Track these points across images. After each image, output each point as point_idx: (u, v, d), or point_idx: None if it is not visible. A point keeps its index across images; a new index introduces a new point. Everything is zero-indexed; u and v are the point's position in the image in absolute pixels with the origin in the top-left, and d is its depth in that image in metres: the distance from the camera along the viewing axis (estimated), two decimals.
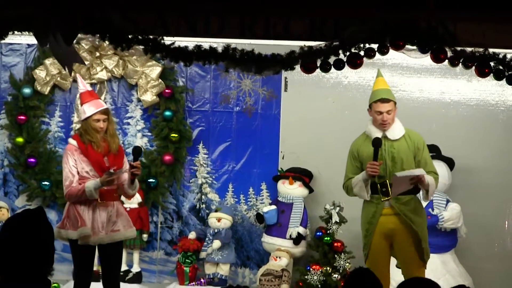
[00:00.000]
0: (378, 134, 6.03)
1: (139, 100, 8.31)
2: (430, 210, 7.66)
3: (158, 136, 8.26)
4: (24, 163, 8.17)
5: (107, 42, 5.93)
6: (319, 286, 7.65)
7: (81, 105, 6.21)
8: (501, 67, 5.94)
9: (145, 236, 7.99)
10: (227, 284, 7.77)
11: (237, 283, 8.09)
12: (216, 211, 8.10)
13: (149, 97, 8.22)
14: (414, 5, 5.93)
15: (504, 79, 5.99)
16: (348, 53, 5.88)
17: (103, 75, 8.25)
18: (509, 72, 5.95)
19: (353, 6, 5.93)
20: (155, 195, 8.21)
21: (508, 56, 5.94)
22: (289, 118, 8.28)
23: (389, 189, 5.96)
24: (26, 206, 8.05)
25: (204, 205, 8.30)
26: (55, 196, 8.12)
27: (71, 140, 6.19)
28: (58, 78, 8.22)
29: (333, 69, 5.98)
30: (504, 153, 8.12)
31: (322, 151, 8.09)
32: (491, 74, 5.98)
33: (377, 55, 5.95)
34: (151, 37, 5.79)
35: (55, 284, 7.60)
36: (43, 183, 8.14)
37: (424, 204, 7.36)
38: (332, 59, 5.91)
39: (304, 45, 5.86)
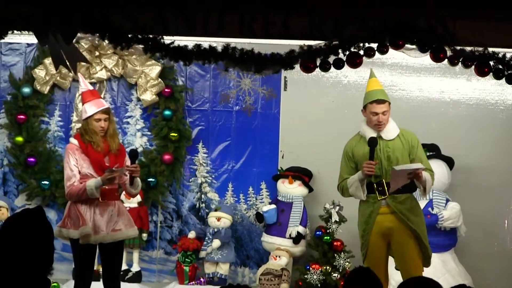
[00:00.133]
0: (372, 134, 6.02)
1: (138, 100, 8.31)
2: (429, 209, 7.66)
3: (158, 136, 8.26)
4: (24, 163, 8.16)
5: (106, 41, 5.91)
6: (319, 285, 7.64)
7: (83, 104, 6.21)
8: (500, 66, 5.94)
9: (144, 235, 7.98)
10: (226, 284, 7.75)
11: (237, 282, 8.08)
12: (215, 210, 8.10)
13: (148, 96, 8.22)
14: (413, 4, 5.93)
15: (504, 78, 5.99)
16: (347, 52, 5.87)
17: (103, 74, 8.24)
18: (509, 71, 5.94)
19: (353, 5, 5.93)
20: (154, 194, 8.20)
21: (508, 55, 5.93)
22: (288, 117, 8.28)
23: (385, 188, 5.95)
24: (26, 206, 8.04)
25: (203, 205, 8.30)
26: (54, 195, 8.12)
27: (72, 139, 6.19)
28: (58, 78, 8.21)
29: (332, 69, 5.98)
30: (503, 152, 8.11)
31: (322, 150, 8.08)
32: (491, 73, 5.98)
33: (377, 54, 5.95)
34: (150, 36, 5.78)
35: (55, 284, 7.60)
36: (42, 182, 8.13)
37: (424, 203, 7.39)
38: (331, 59, 5.91)
39: (304, 44, 5.86)
